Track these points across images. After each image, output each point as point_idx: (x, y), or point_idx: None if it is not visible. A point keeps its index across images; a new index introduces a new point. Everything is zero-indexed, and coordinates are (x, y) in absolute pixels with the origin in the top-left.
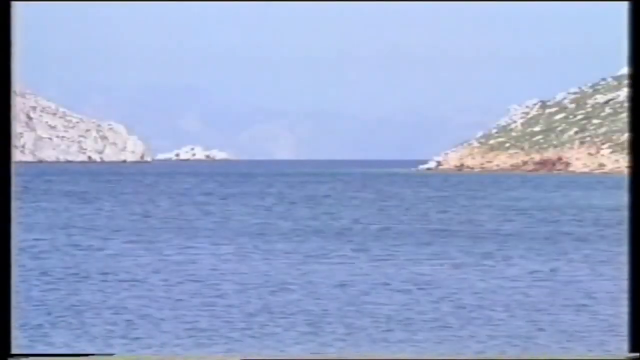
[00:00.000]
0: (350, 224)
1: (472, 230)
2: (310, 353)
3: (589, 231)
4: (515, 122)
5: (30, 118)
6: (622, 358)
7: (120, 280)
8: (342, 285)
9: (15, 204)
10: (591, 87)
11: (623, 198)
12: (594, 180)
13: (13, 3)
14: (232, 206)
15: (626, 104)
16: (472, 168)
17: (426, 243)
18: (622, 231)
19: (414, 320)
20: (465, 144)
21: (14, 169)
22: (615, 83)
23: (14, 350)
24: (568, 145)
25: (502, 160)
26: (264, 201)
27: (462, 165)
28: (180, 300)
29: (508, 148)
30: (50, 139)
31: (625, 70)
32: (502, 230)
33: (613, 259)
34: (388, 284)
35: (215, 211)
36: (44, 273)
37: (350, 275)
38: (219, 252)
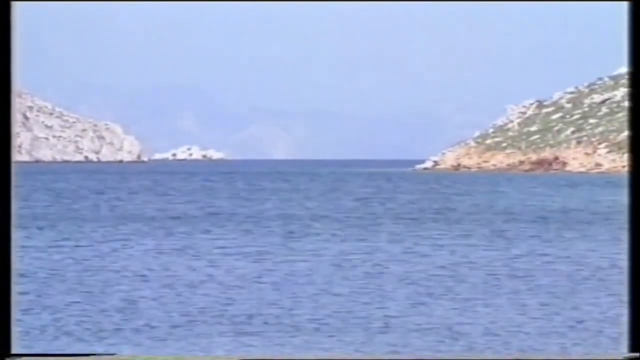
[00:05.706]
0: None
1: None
2: (310, 353)
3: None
4: (512, 121)
5: (26, 118)
6: (622, 358)
7: (117, 279)
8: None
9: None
10: (588, 86)
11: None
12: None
13: (13, 3)
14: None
15: (623, 104)
16: (469, 168)
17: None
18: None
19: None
20: (462, 144)
21: (14, 169)
22: (612, 83)
23: (14, 350)
24: (565, 145)
25: (499, 159)
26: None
27: (458, 165)
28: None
29: (505, 148)
30: (46, 138)
31: (622, 69)
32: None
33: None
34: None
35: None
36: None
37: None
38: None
